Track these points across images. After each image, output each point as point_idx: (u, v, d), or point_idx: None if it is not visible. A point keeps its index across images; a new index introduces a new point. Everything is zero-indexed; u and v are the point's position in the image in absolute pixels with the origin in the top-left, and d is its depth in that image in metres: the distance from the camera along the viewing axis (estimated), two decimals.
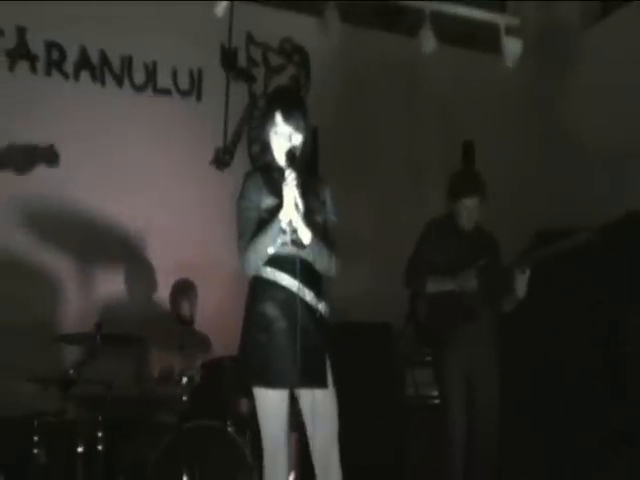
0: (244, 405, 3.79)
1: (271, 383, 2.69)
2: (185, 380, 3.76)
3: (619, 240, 4.16)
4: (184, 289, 4.42)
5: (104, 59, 4.78)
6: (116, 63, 4.82)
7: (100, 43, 4.74)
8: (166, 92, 4.97)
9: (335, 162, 4.92)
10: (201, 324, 4.41)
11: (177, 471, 3.54)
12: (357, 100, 5.37)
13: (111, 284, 4.59)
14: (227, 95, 5.14)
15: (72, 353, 4.15)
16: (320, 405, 2.68)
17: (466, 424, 3.67)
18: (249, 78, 5.25)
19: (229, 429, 3.73)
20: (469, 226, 3.84)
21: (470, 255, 3.76)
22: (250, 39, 5.25)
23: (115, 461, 3.71)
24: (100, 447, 3.57)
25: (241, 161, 5.01)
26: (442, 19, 5.32)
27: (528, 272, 3.63)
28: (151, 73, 4.92)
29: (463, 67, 5.58)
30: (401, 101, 5.57)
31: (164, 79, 4.96)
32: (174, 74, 4.98)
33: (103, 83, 4.78)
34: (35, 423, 3.58)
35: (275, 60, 5.35)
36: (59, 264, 4.45)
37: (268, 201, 2.73)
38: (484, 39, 5.63)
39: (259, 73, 5.29)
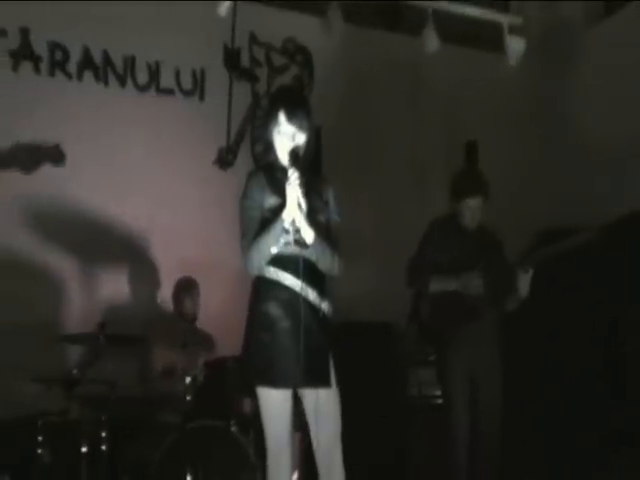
0: (247, 405, 3.79)
1: (274, 383, 2.68)
2: (188, 380, 3.77)
3: (620, 240, 4.15)
4: (187, 287, 4.43)
5: (107, 59, 4.78)
6: (119, 63, 4.83)
7: (103, 43, 4.75)
8: (169, 92, 4.97)
9: (338, 162, 4.92)
10: (204, 324, 4.42)
11: (180, 471, 3.54)
12: (360, 100, 5.37)
13: (114, 284, 4.60)
14: (230, 95, 5.14)
15: (76, 353, 4.17)
16: (323, 405, 2.67)
17: (469, 424, 3.67)
18: (252, 78, 5.25)
19: (232, 429, 3.73)
20: (472, 226, 3.84)
21: (473, 255, 3.76)
22: (253, 39, 5.25)
23: (119, 461, 3.71)
24: (104, 447, 3.57)
25: (244, 161, 5.01)
26: (445, 18, 5.32)
27: (531, 272, 3.62)
28: (154, 73, 4.93)
29: (466, 66, 5.57)
30: (404, 101, 5.57)
31: (167, 79, 4.97)
32: (177, 74, 4.99)
33: (106, 83, 4.79)
34: (39, 423, 3.59)
35: (278, 60, 5.35)
36: (62, 264, 4.46)
37: (271, 200, 2.72)
38: (487, 38, 5.63)
39: (262, 73, 5.29)
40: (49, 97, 4.53)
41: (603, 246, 3.54)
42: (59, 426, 3.66)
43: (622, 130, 4.96)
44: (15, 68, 4.53)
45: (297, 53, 5.41)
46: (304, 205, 2.61)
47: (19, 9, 4.43)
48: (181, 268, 4.49)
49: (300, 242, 2.68)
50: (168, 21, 4.82)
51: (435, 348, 3.90)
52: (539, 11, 5.79)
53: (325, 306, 2.74)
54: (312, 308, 2.69)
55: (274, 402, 2.71)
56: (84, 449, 3.53)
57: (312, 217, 2.67)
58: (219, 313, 4.41)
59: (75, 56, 4.70)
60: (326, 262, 2.73)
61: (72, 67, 4.69)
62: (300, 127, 2.72)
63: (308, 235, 2.66)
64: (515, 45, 5.44)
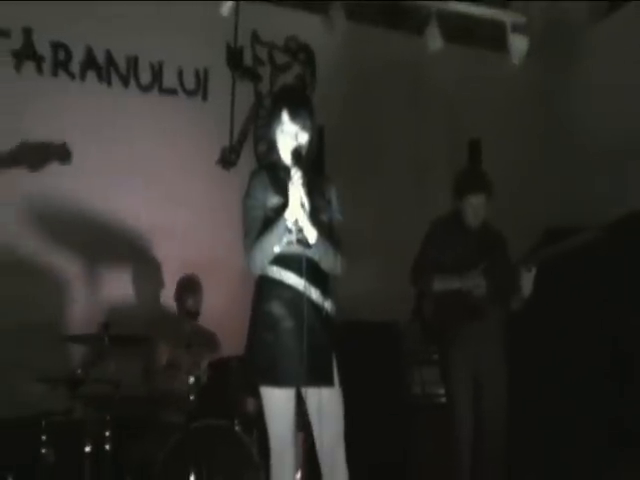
0: (251, 404, 3.79)
1: (278, 382, 2.69)
2: (192, 380, 3.77)
3: (625, 238, 4.14)
4: (189, 285, 4.43)
5: (110, 59, 4.78)
6: (122, 63, 4.82)
7: (106, 43, 4.75)
8: (172, 92, 4.97)
9: (341, 161, 4.92)
10: (208, 324, 4.42)
11: (184, 470, 3.55)
12: (363, 99, 5.36)
13: (118, 284, 4.60)
14: (233, 94, 5.14)
15: (80, 353, 4.18)
16: (326, 405, 2.67)
17: (473, 422, 3.67)
18: (255, 77, 5.25)
19: (236, 428, 3.73)
20: (476, 224, 3.83)
21: (477, 253, 3.75)
22: (256, 38, 5.25)
23: (123, 460, 3.72)
24: (108, 446, 3.58)
25: (247, 160, 5.01)
26: (448, 17, 5.32)
27: (534, 270, 3.62)
28: (157, 73, 4.93)
29: (469, 65, 5.56)
30: (407, 99, 5.56)
31: (170, 79, 4.97)
32: (180, 74, 4.99)
33: (109, 83, 4.79)
34: (43, 422, 3.60)
35: (281, 59, 5.34)
36: (66, 264, 4.46)
37: (274, 200, 2.72)
38: (490, 37, 5.62)
39: (265, 72, 5.29)
40: (52, 97, 4.53)
41: (608, 245, 3.53)
42: (63, 426, 3.67)
43: (625, 128, 4.95)
44: (18, 68, 4.53)
45: (300, 52, 5.40)
46: (307, 204, 2.61)
47: (22, 9, 4.43)
48: (184, 268, 4.50)
49: (303, 241, 2.68)
50: (171, 21, 4.82)
51: (438, 347, 3.90)
52: (542, 9, 5.77)
53: (328, 305, 2.74)
54: (315, 307, 2.69)
55: (277, 402, 2.71)
56: (88, 449, 3.54)
57: (315, 216, 2.67)
58: (222, 312, 4.42)
59: (78, 56, 4.69)
60: (329, 261, 2.73)
61: (75, 67, 4.69)
62: (303, 126, 2.72)
63: (311, 234, 2.66)
64: (518, 44, 5.43)
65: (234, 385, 3.85)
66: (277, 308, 2.69)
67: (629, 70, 5.03)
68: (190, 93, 5.02)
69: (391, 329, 4.76)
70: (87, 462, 3.53)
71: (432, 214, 4.03)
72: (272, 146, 2.80)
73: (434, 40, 5.23)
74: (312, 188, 2.67)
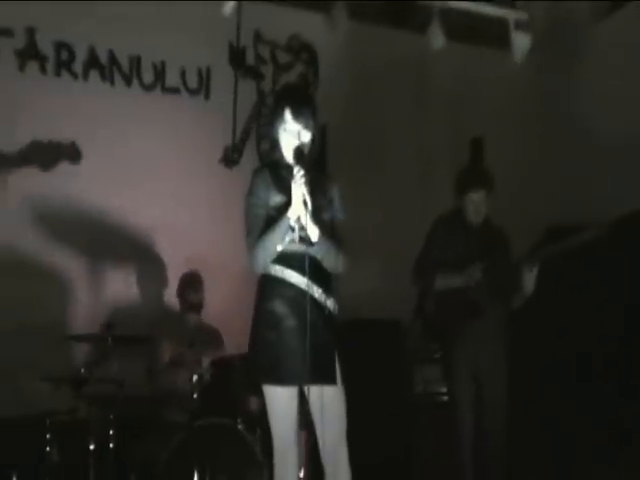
0: (254, 403, 3.79)
1: (280, 381, 2.69)
2: (195, 378, 3.78)
3: (627, 238, 4.13)
4: (191, 281, 4.43)
5: (113, 59, 4.79)
6: (125, 63, 4.83)
7: (109, 43, 4.76)
8: (175, 91, 4.98)
9: (343, 159, 4.92)
10: (210, 322, 4.43)
11: (188, 469, 3.56)
12: (365, 97, 5.36)
13: (121, 283, 4.61)
14: (235, 93, 5.14)
15: (83, 352, 4.19)
16: (329, 404, 2.67)
17: (473, 421, 3.67)
18: (257, 76, 5.26)
19: (239, 427, 3.74)
20: (477, 220, 3.83)
21: (479, 250, 3.75)
22: (258, 37, 5.25)
23: (126, 459, 3.73)
24: (111, 445, 3.59)
25: (250, 159, 5.01)
26: (450, 15, 5.31)
27: (536, 269, 3.61)
28: (160, 72, 4.94)
29: (472, 64, 5.56)
30: (409, 98, 5.56)
31: (173, 78, 4.97)
32: (182, 73, 5.00)
33: (112, 83, 4.80)
34: (47, 422, 3.62)
35: (283, 58, 5.35)
36: (69, 263, 4.47)
37: (276, 198, 2.72)
38: (493, 35, 5.61)
39: (267, 71, 5.29)
40: (55, 97, 4.54)
41: (609, 244, 3.53)
42: (67, 425, 3.69)
43: (628, 126, 4.94)
44: (21, 68, 4.55)
45: (302, 51, 5.41)
46: (309, 203, 2.60)
47: (25, 9, 4.44)
48: (187, 266, 4.50)
49: (305, 240, 2.67)
50: (173, 20, 4.83)
51: (440, 345, 3.90)
52: (545, 7, 5.76)
53: (331, 304, 2.74)
54: (318, 306, 2.69)
55: (280, 400, 2.71)
56: (92, 447, 3.55)
57: (317, 215, 2.67)
58: (225, 311, 4.42)
59: (81, 56, 4.71)
60: (331, 260, 2.73)
61: (78, 67, 4.70)
62: (306, 125, 2.72)
63: (313, 233, 2.66)
64: (521, 42, 5.42)
65: (237, 384, 3.86)
66: (280, 307, 2.69)
67: (631, 69, 5.02)
68: (193, 92, 5.03)
69: (393, 328, 4.76)
70: (91, 461, 3.54)
71: (434, 213, 4.03)
72: (275, 145, 2.80)
73: (437, 38, 5.22)
74: (314, 187, 2.66)
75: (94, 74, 4.74)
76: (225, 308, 4.46)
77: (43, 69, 4.61)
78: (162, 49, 4.88)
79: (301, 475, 2.70)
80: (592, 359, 4.35)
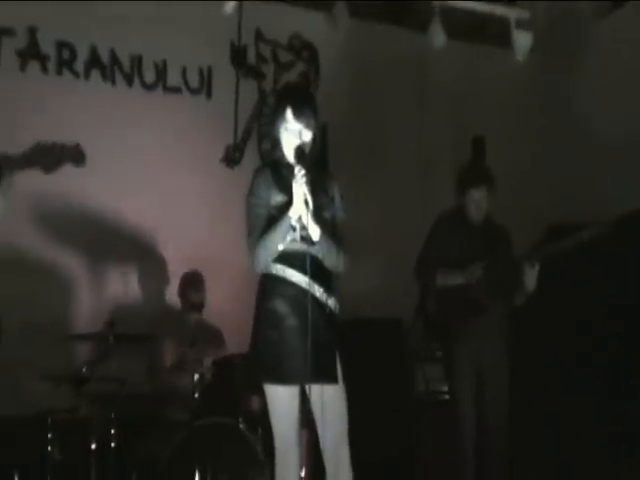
0: (256, 402, 3.79)
1: (282, 380, 2.69)
2: (196, 377, 3.78)
3: (631, 235, 4.13)
4: (192, 280, 4.44)
5: (114, 58, 4.80)
6: (126, 62, 4.84)
7: (110, 42, 4.76)
8: (176, 90, 4.98)
9: (344, 158, 4.92)
10: (212, 321, 4.43)
11: (189, 468, 3.56)
12: (366, 96, 5.36)
13: (122, 282, 4.61)
14: (237, 92, 5.15)
15: (85, 351, 4.19)
16: (330, 402, 2.67)
17: (475, 418, 3.67)
18: (259, 75, 5.26)
19: (241, 426, 3.74)
20: (479, 218, 3.83)
21: (480, 248, 3.75)
22: (259, 36, 5.25)
23: (128, 458, 3.73)
24: (113, 444, 3.60)
25: (251, 158, 5.01)
26: (452, 13, 5.30)
27: (537, 266, 3.61)
28: (161, 72, 4.94)
29: (473, 62, 5.56)
30: (411, 96, 5.56)
31: (174, 77, 4.97)
32: (184, 72, 5.00)
33: (113, 82, 4.80)
34: (49, 420, 3.62)
35: (284, 57, 5.35)
36: (70, 262, 4.48)
37: (277, 198, 2.72)
38: (494, 33, 5.60)
39: (268, 70, 5.29)
40: (56, 96, 4.55)
41: (612, 241, 3.53)
42: (69, 423, 3.69)
43: (630, 124, 4.93)
44: (23, 67, 4.55)
45: (303, 49, 5.41)
46: (310, 202, 2.60)
47: (26, 8, 4.44)
48: (188, 266, 4.50)
49: (306, 239, 2.67)
50: (174, 20, 4.82)
51: (442, 343, 3.90)
52: (546, 6, 5.75)
53: (332, 303, 2.74)
54: (319, 305, 2.69)
55: (281, 399, 2.71)
56: (93, 446, 3.56)
57: (318, 214, 2.67)
58: (226, 310, 4.42)
59: (82, 55, 4.71)
60: (332, 259, 2.73)
61: (79, 66, 4.71)
62: (307, 124, 2.72)
63: (314, 232, 2.66)
64: (522, 40, 5.41)
65: (238, 383, 3.86)
66: (281, 306, 2.69)
67: (632, 67, 5.01)
68: (194, 91, 5.03)
69: (394, 326, 4.76)
70: (92, 459, 3.55)
71: (435, 211, 4.03)
72: (276, 144, 2.80)
73: (438, 37, 5.22)
74: (316, 186, 2.67)
75: (95, 73, 4.75)
76: (226, 307, 4.46)
77: (44, 68, 4.61)
78: (163, 48, 4.88)
79: (302, 474, 2.69)
80: (594, 356, 4.35)
